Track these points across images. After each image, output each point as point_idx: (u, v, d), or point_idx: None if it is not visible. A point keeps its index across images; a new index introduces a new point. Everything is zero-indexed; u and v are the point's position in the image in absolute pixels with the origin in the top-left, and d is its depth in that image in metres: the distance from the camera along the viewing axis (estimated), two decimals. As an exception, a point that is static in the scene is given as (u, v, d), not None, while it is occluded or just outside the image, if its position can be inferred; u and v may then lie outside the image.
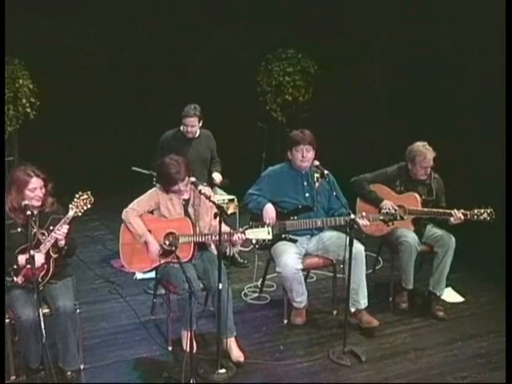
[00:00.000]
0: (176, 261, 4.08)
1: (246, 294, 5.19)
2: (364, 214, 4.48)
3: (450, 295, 5.20)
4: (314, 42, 6.97)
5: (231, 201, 5.44)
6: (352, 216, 4.22)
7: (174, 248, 4.12)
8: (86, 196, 3.90)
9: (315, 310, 4.99)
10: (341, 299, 4.90)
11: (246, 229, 4.32)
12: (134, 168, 5.18)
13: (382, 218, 4.58)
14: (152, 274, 4.74)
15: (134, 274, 5.46)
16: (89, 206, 3.91)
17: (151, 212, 4.40)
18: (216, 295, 4.11)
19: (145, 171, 5.18)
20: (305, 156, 4.60)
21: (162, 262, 4.26)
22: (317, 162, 4.59)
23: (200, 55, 7.39)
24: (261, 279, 5.22)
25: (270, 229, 4.17)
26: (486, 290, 5.39)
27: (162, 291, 5.06)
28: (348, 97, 6.95)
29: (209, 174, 5.64)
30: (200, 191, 4.18)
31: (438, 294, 4.97)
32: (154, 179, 5.09)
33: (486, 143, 5.36)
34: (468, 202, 4.72)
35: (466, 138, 5.55)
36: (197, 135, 5.51)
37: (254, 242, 4.25)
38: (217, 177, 5.60)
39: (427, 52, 5.76)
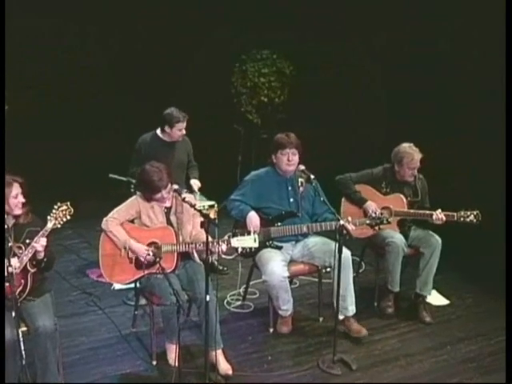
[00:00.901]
0: (159, 272, 3.94)
1: (228, 303, 5.05)
2: (350, 218, 4.38)
3: (436, 298, 5.16)
4: (288, 42, 6.87)
5: (211, 206, 5.29)
6: (341, 222, 4.11)
7: (158, 259, 3.95)
8: (65, 207, 3.70)
9: (301, 317, 4.87)
10: (326, 305, 4.81)
11: (231, 237, 4.20)
12: (111, 175, 4.98)
13: (368, 222, 4.49)
14: (130, 284, 4.55)
15: (111, 284, 5.27)
16: (68, 217, 3.71)
17: (131, 221, 4.23)
18: (202, 307, 3.98)
19: (122, 178, 4.98)
20: (291, 160, 4.49)
21: (146, 272, 4.09)
22: (302, 167, 4.48)
23: (173, 57, 7.22)
24: (243, 286, 5.10)
25: (256, 236, 4.03)
26: (471, 292, 5.37)
27: (143, 302, 4.93)
28: (325, 97, 6.87)
29: (186, 179, 5.47)
30: (184, 199, 4.02)
31: (426, 296, 4.92)
32: (132, 186, 4.91)
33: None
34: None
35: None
36: None
37: (240, 250, 4.10)
38: (195, 183, 5.44)
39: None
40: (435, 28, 5.47)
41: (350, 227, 4.33)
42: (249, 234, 4.10)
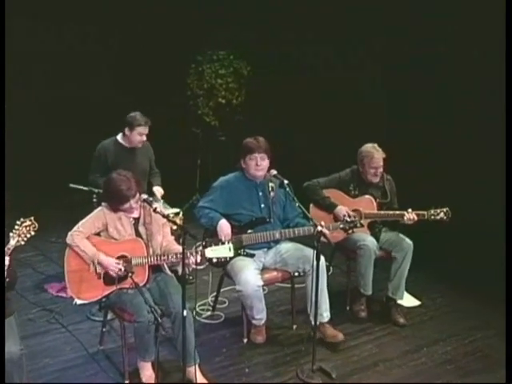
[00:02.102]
0: (131, 286, 3.74)
1: (198, 313, 4.87)
2: (323, 223, 4.28)
3: (407, 299, 5.11)
4: (245, 42, 6.73)
5: (176, 214, 5.10)
6: (319, 228, 4.00)
7: (130, 273, 3.73)
8: (28, 222, 3.46)
9: (273, 325, 4.75)
10: (299, 312, 4.71)
11: (203, 246, 4.04)
12: (71, 185, 4.70)
13: (342, 226, 4.41)
14: (94, 298, 4.30)
15: (72, 298, 5.00)
16: (33, 233, 3.48)
17: (98, 234, 4.00)
18: (177, 321, 3.81)
19: (84, 187, 4.71)
20: (259, 164, 4.35)
21: (117, 288, 3.86)
22: (274, 171, 4.35)
23: (129, 59, 6.98)
24: (211, 296, 4.93)
25: (230, 245, 3.88)
26: (439, 292, 5.37)
27: (108, 317, 4.70)
28: (284, 98, 6.77)
29: (148, 186, 5.25)
30: (155, 209, 3.82)
31: (398, 300, 4.88)
32: (95, 196, 4.66)
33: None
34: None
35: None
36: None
37: (214, 261, 3.93)
38: (158, 191, 5.23)
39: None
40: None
41: (324, 232, 4.23)
42: (222, 243, 3.95)
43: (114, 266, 3.83)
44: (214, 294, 4.95)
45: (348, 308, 4.98)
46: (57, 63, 7.01)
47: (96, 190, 4.65)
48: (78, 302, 4.89)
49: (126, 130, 4.94)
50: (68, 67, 6.98)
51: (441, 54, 5.44)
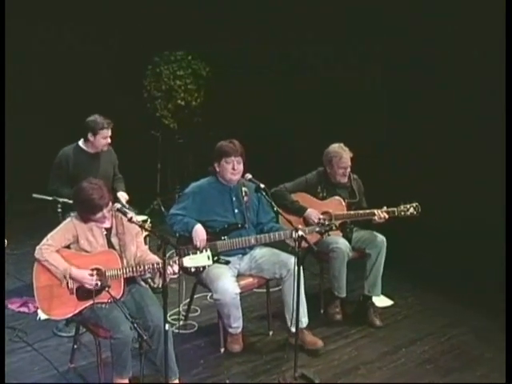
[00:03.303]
0: (108, 301, 3.57)
1: (170, 323, 4.69)
2: (300, 227, 4.19)
3: (380, 299, 5.07)
4: (204, 43, 6.59)
5: (144, 221, 4.91)
6: (300, 232, 3.91)
7: (107, 288, 3.54)
8: None
9: (249, 332, 4.63)
10: (273, 317, 4.65)
11: (178, 255, 3.88)
12: (34, 195, 4.44)
13: (318, 229, 4.32)
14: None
15: (35, 314, 4.77)
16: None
17: (67, 246, 3.79)
18: (155, 335, 3.66)
19: (47, 197, 4.46)
20: (236, 168, 4.24)
21: (90, 303, 3.66)
22: (249, 175, 4.23)
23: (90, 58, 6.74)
24: (181, 304, 4.78)
25: (209, 253, 3.72)
26: (410, 290, 5.39)
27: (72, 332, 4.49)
28: (244, 99, 6.67)
29: (113, 192, 5.04)
30: (131, 219, 3.65)
31: (375, 297, 4.85)
32: (59, 206, 4.43)
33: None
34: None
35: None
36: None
37: (193, 270, 3.79)
38: (122, 196, 5.03)
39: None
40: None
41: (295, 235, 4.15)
42: (199, 250, 3.80)
43: (89, 279, 3.63)
44: (185, 302, 4.81)
45: (322, 311, 4.92)
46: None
47: (60, 200, 4.41)
48: (42, 316, 4.70)
49: (89, 136, 4.72)
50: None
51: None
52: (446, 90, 5.49)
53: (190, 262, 3.70)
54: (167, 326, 3.44)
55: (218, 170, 4.30)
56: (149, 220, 4.98)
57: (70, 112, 6.57)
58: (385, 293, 5.19)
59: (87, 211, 3.71)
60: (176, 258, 3.70)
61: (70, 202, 4.48)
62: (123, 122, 5.44)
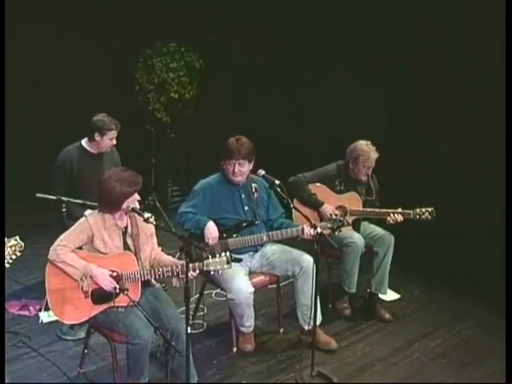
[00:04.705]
0: (128, 305, 3.46)
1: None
2: (313, 222, 4.12)
3: (387, 294, 5.07)
4: (195, 34, 6.45)
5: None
6: (319, 230, 3.84)
7: (126, 291, 3.42)
8: (13, 242, 3.08)
9: (259, 330, 4.53)
10: (284, 314, 4.59)
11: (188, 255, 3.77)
12: (38, 194, 4.26)
13: (330, 225, 4.24)
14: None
15: (37, 317, 4.61)
16: (18, 254, 3.10)
17: (79, 248, 3.64)
18: (173, 338, 3.55)
19: (52, 197, 4.28)
20: (237, 171, 4.13)
21: (114, 306, 3.53)
22: (262, 171, 4.11)
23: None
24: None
25: (228, 256, 3.60)
26: (414, 283, 5.38)
27: (82, 335, 4.35)
28: (237, 92, 6.56)
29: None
30: (148, 219, 3.52)
31: (382, 294, 4.82)
32: (64, 205, 4.26)
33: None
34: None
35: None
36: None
37: (212, 273, 3.67)
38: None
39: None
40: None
41: (313, 232, 4.08)
42: (219, 254, 3.66)
43: (109, 280, 3.49)
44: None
45: (330, 306, 4.87)
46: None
47: (65, 199, 4.25)
48: (44, 319, 4.57)
49: (96, 136, 4.55)
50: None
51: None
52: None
53: (211, 265, 3.59)
54: (189, 329, 3.34)
55: (224, 167, 4.19)
56: (153, 218, 4.83)
57: (67, 110, 6.42)
58: (390, 286, 5.18)
59: (119, 196, 3.53)
60: (197, 263, 3.57)
61: (76, 201, 4.37)
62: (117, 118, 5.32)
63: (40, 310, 4.66)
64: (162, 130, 6.63)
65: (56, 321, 4.40)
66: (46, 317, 4.59)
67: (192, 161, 6.99)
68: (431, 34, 5.37)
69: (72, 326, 4.31)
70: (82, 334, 4.34)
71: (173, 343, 3.32)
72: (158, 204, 6.26)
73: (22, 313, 4.66)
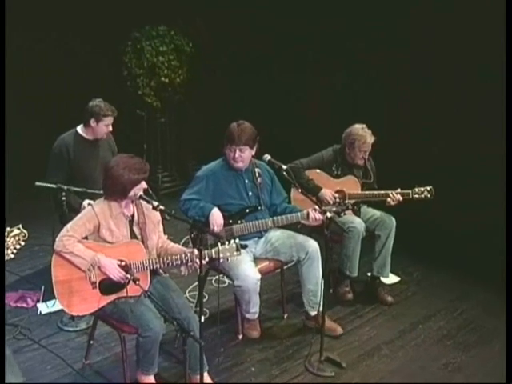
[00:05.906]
0: (135, 295, 3.40)
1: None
2: (316, 207, 4.09)
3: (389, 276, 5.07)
4: (185, 18, 6.33)
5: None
6: (328, 214, 3.80)
7: (137, 281, 3.34)
8: (17, 231, 2.98)
9: (263, 316, 4.47)
10: (286, 300, 4.59)
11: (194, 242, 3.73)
12: (37, 183, 4.13)
13: (334, 209, 4.20)
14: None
15: (35, 308, 4.51)
16: (22, 243, 2.99)
17: (85, 237, 3.54)
18: (189, 328, 3.48)
19: (52, 185, 4.15)
20: (237, 156, 4.07)
21: (114, 298, 3.46)
22: (268, 156, 4.05)
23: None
24: (187, 290, 4.65)
25: (237, 243, 3.54)
26: (413, 265, 5.39)
27: (83, 326, 4.28)
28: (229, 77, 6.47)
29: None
30: (157, 207, 3.44)
31: (384, 278, 4.82)
32: (64, 194, 4.15)
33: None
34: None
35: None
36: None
37: (221, 260, 3.61)
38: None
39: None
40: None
41: (318, 216, 4.06)
42: (228, 240, 3.60)
43: (118, 270, 3.41)
44: (190, 288, 4.70)
45: (331, 291, 4.85)
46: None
47: (65, 187, 4.13)
48: (43, 310, 4.48)
49: (92, 122, 4.42)
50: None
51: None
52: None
53: (221, 253, 3.52)
54: (203, 318, 3.28)
55: (225, 153, 4.12)
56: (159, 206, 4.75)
57: (57, 97, 6.30)
58: (390, 269, 5.18)
59: (126, 183, 3.44)
60: (206, 251, 3.51)
61: (76, 189, 4.26)
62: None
63: (38, 301, 4.56)
64: (153, 115, 6.49)
65: (55, 312, 4.42)
66: (44, 308, 4.49)
67: (183, 146, 6.89)
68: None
69: (73, 317, 4.25)
70: (84, 325, 4.29)
71: (192, 333, 3.25)
72: (150, 190, 6.20)
73: (19, 304, 4.55)
